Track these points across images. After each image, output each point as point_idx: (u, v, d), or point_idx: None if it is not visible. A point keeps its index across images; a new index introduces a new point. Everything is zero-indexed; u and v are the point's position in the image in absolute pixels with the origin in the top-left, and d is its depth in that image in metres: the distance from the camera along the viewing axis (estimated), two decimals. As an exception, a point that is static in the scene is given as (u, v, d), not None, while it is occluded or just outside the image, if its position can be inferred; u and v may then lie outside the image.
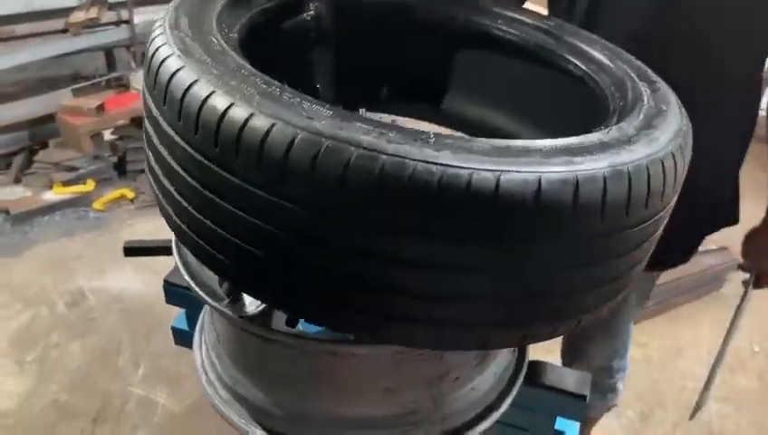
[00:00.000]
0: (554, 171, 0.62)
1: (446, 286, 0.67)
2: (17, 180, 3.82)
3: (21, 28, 4.10)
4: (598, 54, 1.02)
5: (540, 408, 1.10)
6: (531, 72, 1.12)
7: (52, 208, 3.62)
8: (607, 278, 0.74)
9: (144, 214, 3.63)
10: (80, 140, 3.86)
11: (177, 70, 0.71)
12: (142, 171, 3.92)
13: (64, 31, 4.20)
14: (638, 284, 1.63)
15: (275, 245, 0.68)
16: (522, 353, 1.05)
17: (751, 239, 1.66)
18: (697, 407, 2.11)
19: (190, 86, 0.68)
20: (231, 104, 0.65)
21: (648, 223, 0.71)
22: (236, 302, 0.85)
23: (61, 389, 2.56)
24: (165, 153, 0.74)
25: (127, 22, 4.28)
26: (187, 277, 0.91)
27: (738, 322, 1.84)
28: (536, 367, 1.08)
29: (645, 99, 0.85)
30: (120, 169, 3.97)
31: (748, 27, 1.34)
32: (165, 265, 1.04)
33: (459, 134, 1.22)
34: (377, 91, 1.29)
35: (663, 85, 0.92)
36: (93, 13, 4.19)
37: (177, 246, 0.98)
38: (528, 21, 1.13)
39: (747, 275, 1.74)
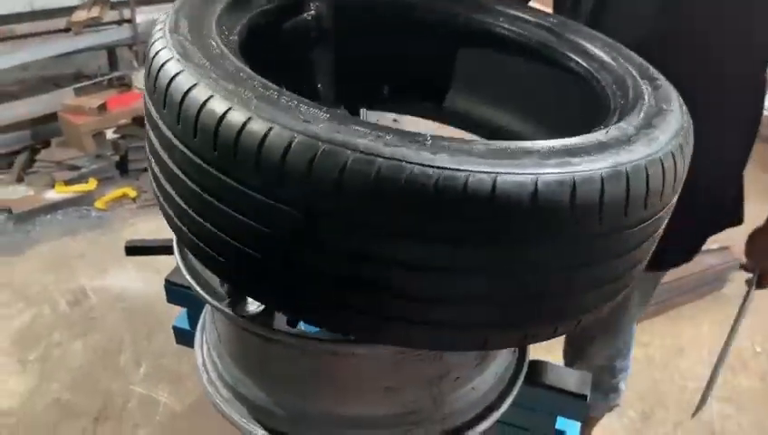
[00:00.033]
0: (551, 173, 0.62)
1: (444, 288, 0.67)
2: (20, 179, 3.83)
3: (23, 27, 4.10)
4: (599, 52, 1.02)
5: (540, 407, 1.10)
6: (532, 70, 1.11)
7: (54, 207, 3.62)
8: (606, 278, 0.74)
9: (146, 213, 3.63)
10: (82, 139, 3.86)
11: (177, 74, 0.71)
12: (144, 170, 3.93)
13: (66, 30, 4.21)
14: (640, 283, 1.64)
15: (273, 247, 0.68)
16: (522, 353, 1.05)
17: (754, 239, 1.66)
18: (699, 405, 2.11)
19: (189, 90, 0.69)
20: (229, 108, 0.66)
21: (648, 223, 0.71)
22: (237, 302, 0.85)
23: (63, 388, 2.57)
24: (165, 156, 0.74)
25: (129, 21, 4.29)
26: (188, 277, 0.92)
27: (740, 322, 1.84)
28: (537, 367, 1.08)
29: (646, 97, 0.85)
30: (122, 168, 3.97)
31: (750, 27, 1.34)
32: (167, 263, 1.04)
33: (458, 136, 1.22)
34: (378, 90, 1.29)
35: (664, 83, 0.92)
36: (95, 12, 4.19)
37: (179, 246, 0.98)
38: (530, 18, 1.12)
39: (749, 275, 1.74)
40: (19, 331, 2.84)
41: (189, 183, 0.71)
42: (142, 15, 4.27)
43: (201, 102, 0.67)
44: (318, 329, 0.85)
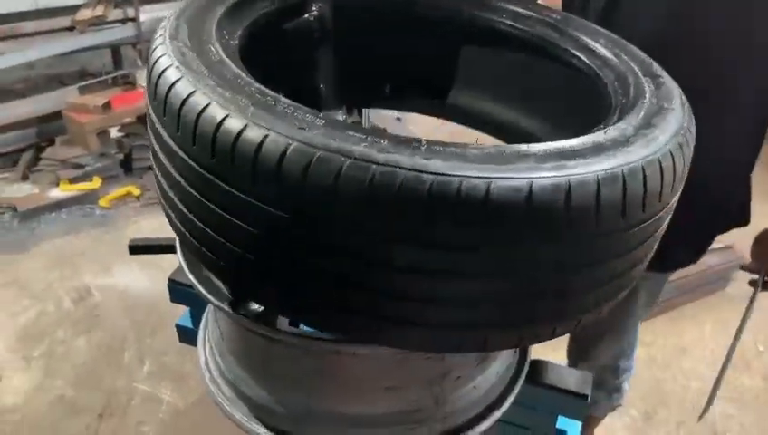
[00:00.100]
0: (546, 177, 0.63)
1: (441, 291, 0.68)
2: (24, 177, 3.85)
3: (28, 26, 4.11)
4: (602, 48, 1.01)
5: (541, 407, 1.10)
6: (535, 67, 1.11)
7: (58, 205, 3.64)
8: (606, 279, 0.74)
9: (150, 211, 3.64)
10: (86, 137, 3.88)
11: (176, 81, 0.72)
12: (148, 168, 3.94)
13: (71, 28, 4.22)
14: (647, 284, 1.64)
15: (271, 251, 0.69)
16: (524, 353, 1.05)
17: (761, 241, 1.66)
18: (705, 408, 2.11)
19: (187, 97, 0.70)
20: (226, 116, 0.66)
21: (647, 223, 0.71)
22: (239, 301, 0.86)
23: (66, 384, 2.58)
24: (166, 162, 0.76)
25: (133, 19, 4.29)
26: (190, 277, 0.92)
27: (745, 324, 1.84)
28: (538, 366, 1.08)
29: (647, 95, 0.85)
30: (126, 166, 3.99)
31: (763, 28, 1.33)
32: (170, 261, 1.05)
33: (460, 133, 1.22)
34: (381, 89, 1.29)
35: (667, 79, 0.91)
36: (100, 10, 4.20)
37: (181, 246, 0.98)
38: (533, 15, 1.12)
39: (752, 276, 1.73)
40: (24, 328, 2.85)
41: (189, 188, 0.72)
42: (146, 14, 4.28)
43: (199, 110, 0.68)
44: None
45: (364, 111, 1.34)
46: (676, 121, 0.79)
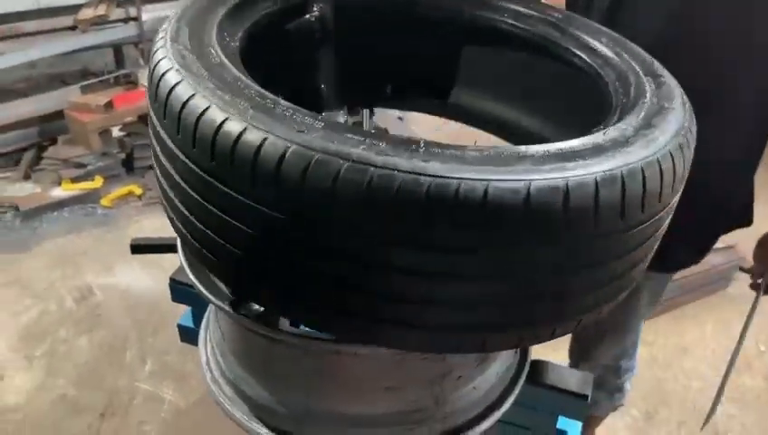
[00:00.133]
0: (544, 178, 0.63)
1: (440, 292, 0.68)
2: (26, 177, 3.85)
3: (30, 25, 4.12)
4: (604, 47, 1.01)
5: (542, 407, 1.10)
6: (537, 66, 1.11)
7: (60, 205, 3.65)
8: (605, 280, 0.74)
9: (151, 210, 3.65)
10: (88, 136, 3.88)
11: (176, 84, 0.73)
12: (150, 168, 3.95)
13: (73, 28, 4.23)
14: (649, 284, 1.64)
15: (271, 253, 0.70)
16: (524, 353, 1.05)
17: (764, 244, 1.65)
18: (709, 414, 2.10)
19: (187, 100, 0.70)
20: (225, 119, 0.67)
21: (647, 224, 0.71)
22: (240, 302, 0.86)
23: (68, 384, 2.59)
24: (167, 164, 0.76)
25: (135, 19, 4.30)
26: (191, 277, 0.92)
27: (748, 329, 1.83)
28: (538, 366, 1.08)
29: (647, 95, 0.85)
30: (128, 165, 3.99)
31: (763, 28, 1.33)
32: (172, 261, 1.05)
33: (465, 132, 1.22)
34: (383, 89, 1.29)
35: (668, 79, 0.91)
36: (102, 10, 4.21)
37: (183, 246, 0.99)
38: (534, 14, 1.12)
39: (752, 278, 1.73)
40: (26, 327, 2.86)
41: (190, 190, 0.72)
42: (148, 13, 4.29)
43: (199, 113, 0.68)
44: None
45: (365, 111, 1.34)
46: (677, 121, 0.78)
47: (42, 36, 4.16)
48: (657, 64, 0.96)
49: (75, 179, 3.79)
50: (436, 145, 0.66)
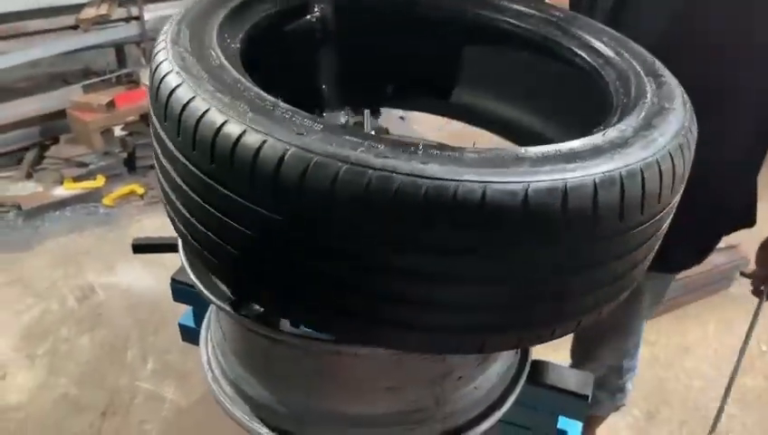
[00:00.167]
0: (542, 180, 0.63)
1: (439, 293, 0.68)
2: (29, 176, 3.86)
3: (32, 24, 4.13)
4: (605, 47, 1.01)
5: (542, 407, 1.10)
6: (539, 65, 1.11)
7: (62, 204, 3.65)
8: (605, 281, 0.74)
9: (153, 209, 3.65)
10: (90, 136, 3.89)
11: (176, 87, 0.73)
12: (152, 167, 3.94)
13: (75, 27, 4.23)
14: (652, 285, 1.64)
15: (271, 255, 0.70)
16: (525, 353, 1.05)
17: (767, 247, 1.65)
18: (716, 421, 2.10)
19: (187, 103, 0.71)
20: (225, 121, 0.67)
21: (646, 225, 0.71)
22: (240, 302, 0.86)
23: (70, 382, 2.59)
24: (167, 166, 0.76)
25: (137, 18, 4.31)
26: (192, 277, 0.93)
27: (751, 335, 1.83)
28: (539, 366, 1.08)
29: (648, 96, 0.84)
30: (130, 164, 4.00)
31: (763, 28, 1.32)
32: (174, 260, 1.05)
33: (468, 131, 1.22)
34: (384, 89, 1.30)
35: (669, 78, 0.91)
36: (104, 9, 4.21)
37: (183, 246, 0.99)
38: (536, 13, 1.12)
39: (753, 284, 1.71)
40: (28, 326, 2.87)
41: (190, 192, 0.73)
42: (150, 12, 4.29)
43: (199, 115, 0.69)
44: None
45: (366, 111, 1.34)
46: (677, 122, 0.78)
47: (44, 35, 4.16)
48: (658, 64, 0.96)
49: (77, 179, 3.80)
50: (435, 147, 0.66)
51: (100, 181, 3.82)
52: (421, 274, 0.66)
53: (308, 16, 1.09)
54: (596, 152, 0.69)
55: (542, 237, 0.65)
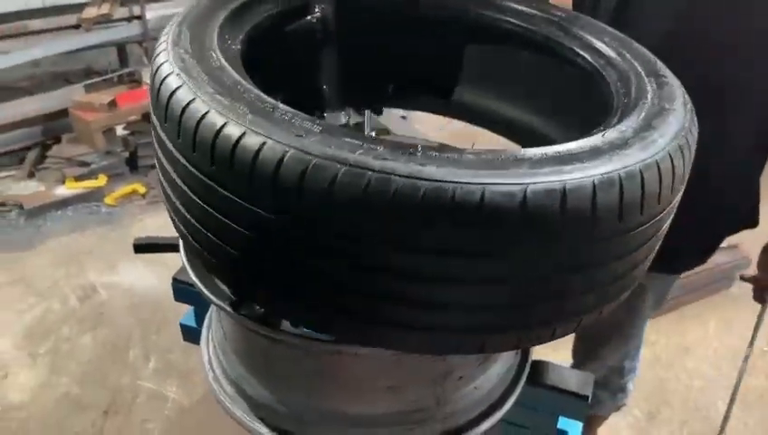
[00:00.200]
0: (541, 182, 0.63)
1: (438, 294, 0.68)
2: (31, 175, 3.87)
3: (34, 24, 4.14)
4: (607, 47, 1.00)
5: (542, 407, 1.11)
6: (540, 65, 1.11)
7: (64, 203, 3.66)
8: (605, 281, 0.74)
9: (155, 209, 3.66)
10: (92, 135, 3.90)
11: (176, 89, 0.73)
12: (153, 166, 3.92)
13: (77, 27, 4.24)
14: (655, 286, 1.63)
15: (270, 256, 0.70)
16: (525, 353, 1.05)
17: None
18: (723, 427, 2.10)
19: (187, 105, 0.71)
20: (225, 123, 0.67)
21: (646, 226, 0.71)
22: (241, 302, 0.87)
23: (72, 382, 2.60)
24: (168, 167, 0.77)
25: (139, 17, 4.32)
26: (193, 277, 0.93)
27: (755, 341, 1.82)
28: (539, 367, 1.08)
29: (648, 96, 0.84)
30: (132, 164, 4.00)
31: (766, 28, 1.32)
32: (175, 259, 1.06)
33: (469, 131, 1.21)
34: (385, 88, 1.30)
35: (671, 79, 0.91)
36: (105, 9, 4.22)
37: (184, 247, 0.99)
38: (538, 13, 1.11)
39: (755, 290, 1.71)
40: (30, 325, 2.87)
41: (190, 193, 0.73)
42: (152, 12, 4.30)
43: (199, 117, 0.69)
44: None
45: (366, 112, 1.34)
46: (677, 123, 0.78)
47: (46, 35, 4.18)
48: (659, 64, 0.96)
49: (79, 178, 3.81)
50: (434, 149, 0.66)
51: (101, 181, 3.83)
52: (420, 275, 0.66)
53: (308, 17, 1.09)
54: (595, 154, 0.69)
55: (541, 239, 0.65)
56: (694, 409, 2.63)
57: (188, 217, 0.75)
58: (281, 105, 0.71)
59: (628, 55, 0.98)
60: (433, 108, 1.34)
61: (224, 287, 0.91)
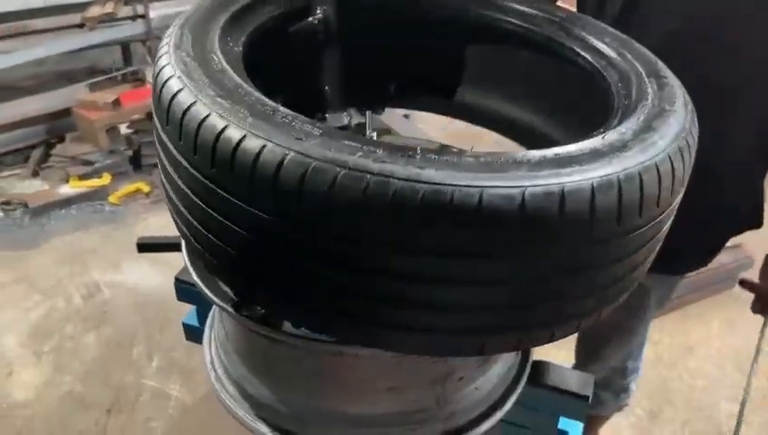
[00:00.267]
0: (539, 184, 0.63)
1: (437, 297, 0.69)
2: (35, 174, 3.88)
3: (38, 23, 4.13)
4: (608, 48, 1.00)
5: (543, 407, 1.11)
6: (542, 65, 1.11)
7: (68, 202, 3.67)
8: (604, 283, 0.74)
9: (158, 207, 3.66)
10: (96, 134, 3.90)
11: (178, 92, 0.74)
12: (157, 165, 3.94)
13: (81, 25, 4.24)
14: (658, 287, 1.63)
15: (270, 258, 0.71)
16: (525, 354, 1.05)
17: None
18: (736, 432, 2.09)
19: (188, 108, 0.72)
20: (226, 126, 0.68)
21: (645, 228, 0.71)
22: (242, 303, 0.87)
23: (76, 380, 2.61)
24: (170, 169, 0.77)
25: (143, 16, 4.31)
26: (195, 277, 0.93)
27: (760, 351, 1.81)
28: (540, 367, 1.08)
29: (649, 97, 0.84)
30: (136, 162, 4.01)
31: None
32: (179, 258, 1.06)
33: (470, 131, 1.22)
34: (387, 89, 1.30)
35: (672, 80, 0.91)
36: (109, 7, 4.22)
37: (186, 247, 1.00)
38: (539, 14, 1.11)
39: (756, 299, 1.70)
40: (35, 323, 2.88)
41: (192, 195, 0.74)
42: (156, 11, 4.30)
43: (199, 120, 0.70)
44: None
45: (367, 112, 1.34)
46: (677, 124, 0.78)
47: (49, 34, 4.17)
48: (660, 65, 0.95)
49: (83, 177, 3.81)
50: (433, 151, 0.66)
51: (105, 179, 3.83)
52: (420, 277, 0.67)
53: (310, 18, 1.09)
54: (594, 156, 0.69)
55: (540, 241, 0.65)
56: (696, 408, 2.63)
57: (190, 218, 0.76)
58: (281, 108, 0.72)
59: (629, 56, 0.97)
60: (434, 108, 1.35)
61: (225, 288, 0.92)
